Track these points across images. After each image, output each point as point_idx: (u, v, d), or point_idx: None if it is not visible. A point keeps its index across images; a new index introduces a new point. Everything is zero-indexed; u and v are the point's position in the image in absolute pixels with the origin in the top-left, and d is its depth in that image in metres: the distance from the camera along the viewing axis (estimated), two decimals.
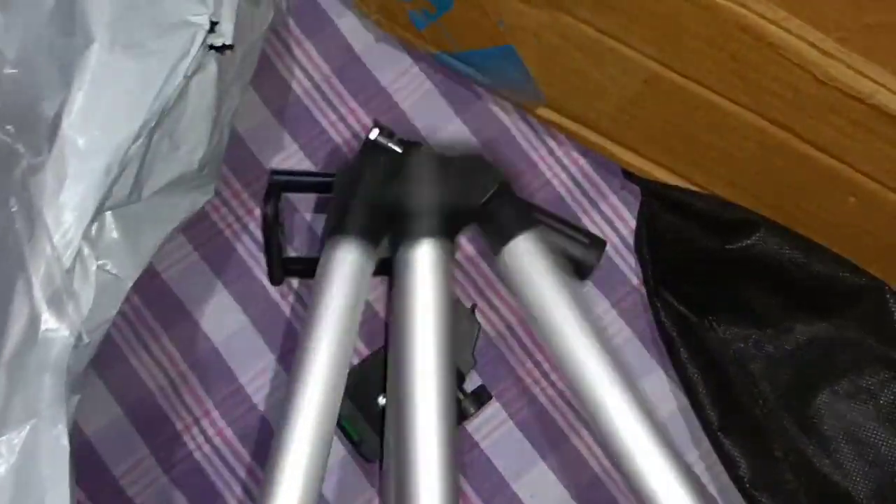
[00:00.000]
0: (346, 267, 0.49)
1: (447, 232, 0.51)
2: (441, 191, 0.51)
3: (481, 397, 0.66)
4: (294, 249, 0.70)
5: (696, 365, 0.64)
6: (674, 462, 0.47)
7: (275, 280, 0.65)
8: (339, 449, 0.67)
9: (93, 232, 0.52)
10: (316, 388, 0.47)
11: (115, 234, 0.56)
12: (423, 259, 0.50)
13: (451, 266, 0.51)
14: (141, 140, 0.51)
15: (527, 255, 0.51)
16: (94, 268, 0.52)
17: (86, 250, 0.51)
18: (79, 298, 0.49)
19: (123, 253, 0.56)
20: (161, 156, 0.55)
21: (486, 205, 0.52)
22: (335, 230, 0.51)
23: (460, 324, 0.67)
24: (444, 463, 0.46)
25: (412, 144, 0.68)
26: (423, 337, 0.48)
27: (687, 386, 0.64)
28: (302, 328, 0.52)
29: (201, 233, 0.71)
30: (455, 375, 0.51)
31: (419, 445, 0.46)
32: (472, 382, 0.66)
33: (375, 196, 0.51)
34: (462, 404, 0.65)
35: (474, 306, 0.68)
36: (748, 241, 0.62)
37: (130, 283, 0.57)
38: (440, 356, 0.48)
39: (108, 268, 0.56)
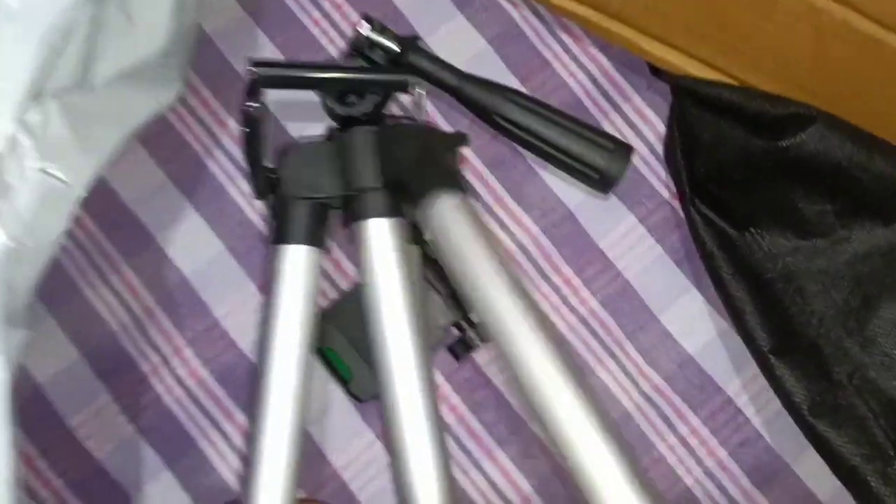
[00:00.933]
0: (295, 272, 0.51)
1: (391, 207, 0.52)
2: (373, 171, 0.52)
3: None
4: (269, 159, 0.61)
5: (741, 283, 0.56)
6: (593, 410, 0.46)
7: (260, 194, 0.56)
8: (336, 390, 0.59)
9: (33, 121, 0.43)
10: (285, 390, 0.50)
11: (61, 130, 0.46)
12: (374, 239, 0.51)
13: (400, 236, 0.52)
14: (87, 4, 0.42)
15: (448, 215, 0.50)
16: (35, 164, 0.43)
17: (24, 140, 0.41)
18: (15, 195, 0.39)
19: (72, 153, 0.47)
20: (114, 32, 0.46)
21: (414, 167, 0.52)
22: (279, 238, 0.52)
23: None
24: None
25: (408, 40, 0.59)
26: (390, 309, 0.50)
27: (731, 306, 0.57)
28: (261, 328, 0.52)
29: (166, 147, 0.61)
30: (424, 329, 0.52)
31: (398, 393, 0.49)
32: None
33: (312, 192, 0.52)
34: (467, 335, 0.57)
35: None
36: (801, 137, 0.54)
37: (81, 192, 0.48)
38: (410, 320, 0.50)
39: (53, 171, 0.46)
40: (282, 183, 0.53)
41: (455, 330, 0.58)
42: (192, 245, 0.60)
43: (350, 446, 0.59)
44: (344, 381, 0.57)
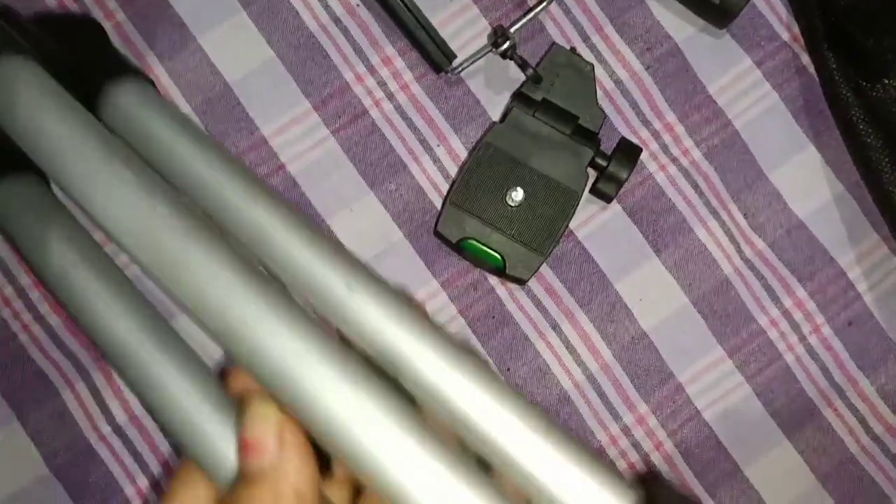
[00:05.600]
0: None
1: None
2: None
3: (631, 153, 0.53)
4: None
5: (878, 134, 0.52)
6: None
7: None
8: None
9: None
10: None
11: None
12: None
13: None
14: None
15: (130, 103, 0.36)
16: None
17: None
18: None
19: None
20: None
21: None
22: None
23: (571, 73, 0.53)
24: None
25: None
26: None
27: (862, 156, 0.53)
28: None
29: None
30: None
31: None
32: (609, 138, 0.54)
33: None
34: (608, 171, 0.53)
35: (573, 49, 0.55)
36: None
37: None
38: None
39: None
40: None
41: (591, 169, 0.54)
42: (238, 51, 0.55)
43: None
44: (498, 269, 0.52)
